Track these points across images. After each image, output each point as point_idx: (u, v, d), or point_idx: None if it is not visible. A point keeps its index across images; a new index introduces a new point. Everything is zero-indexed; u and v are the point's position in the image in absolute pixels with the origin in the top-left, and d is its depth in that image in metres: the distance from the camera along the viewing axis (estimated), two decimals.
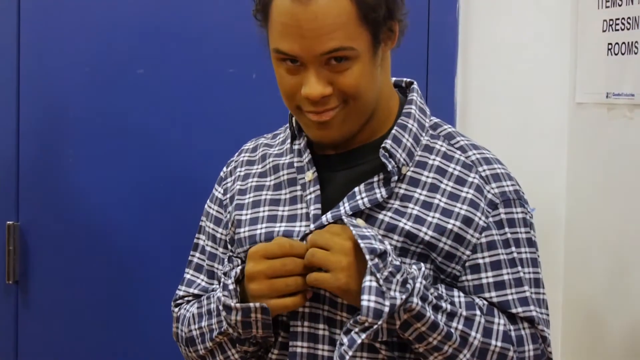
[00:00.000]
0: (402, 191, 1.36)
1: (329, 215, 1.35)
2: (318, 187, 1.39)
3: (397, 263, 1.26)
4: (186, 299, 1.51)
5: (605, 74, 1.99)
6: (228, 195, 1.50)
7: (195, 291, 1.50)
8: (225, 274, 1.36)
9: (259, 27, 1.34)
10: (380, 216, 1.34)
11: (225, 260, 1.43)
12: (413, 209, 1.35)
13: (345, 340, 1.25)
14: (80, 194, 2.36)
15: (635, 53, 1.88)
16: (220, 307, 1.34)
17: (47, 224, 2.38)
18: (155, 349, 2.32)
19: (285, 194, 1.43)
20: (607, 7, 1.98)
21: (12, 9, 2.35)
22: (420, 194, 1.36)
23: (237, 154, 1.56)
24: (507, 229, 1.36)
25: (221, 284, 1.35)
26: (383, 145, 1.36)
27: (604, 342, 1.99)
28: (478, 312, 1.31)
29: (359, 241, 1.25)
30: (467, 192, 1.36)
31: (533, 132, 2.19)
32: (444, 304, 1.29)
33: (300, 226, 1.38)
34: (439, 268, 1.35)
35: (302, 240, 1.35)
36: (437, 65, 2.19)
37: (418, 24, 2.09)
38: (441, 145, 1.40)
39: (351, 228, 1.28)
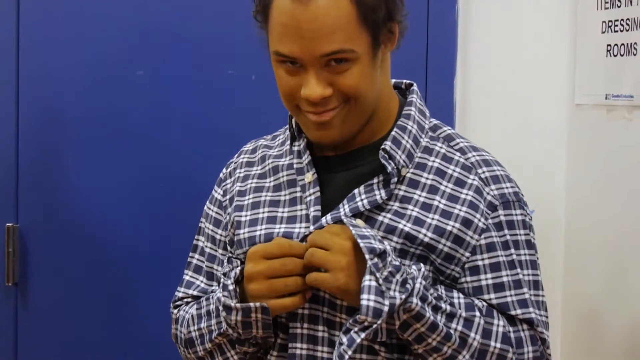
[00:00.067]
0: (401, 193, 1.36)
1: (328, 217, 1.35)
2: (318, 188, 1.39)
3: (397, 263, 1.26)
4: (185, 300, 1.51)
5: (605, 75, 1.99)
6: (227, 197, 1.50)
7: (195, 292, 1.50)
8: (224, 274, 1.36)
9: (258, 28, 1.34)
10: (380, 218, 1.34)
11: (225, 261, 1.43)
12: (412, 210, 1.35)
13: (344, 339, 1.25)
14: (80, 196, 2.36)
15: (634, 54, 1.88)
16: (220, 308, 1.34)
17: (46, 226, 2.38)
18: (154, 350, 2.32)
19: (285, 195, 1.43)
20: (606, 8, 1.98)
21: (11, 10, 2.35)
22: (419, 196, 1.36)
23: (236, 155, 1.56)
24: (506, 231, 1.36)
25: (221, 285, 1.35)
26: (383, 146, 1.36)
27: (603, 343, 1.99)
28: (477, 314, 1.31)
29: (359, 241, 1.25)
30: (467, 194, 1.36)
31: (532, 134, 2.19)
32: (443, 305, 1.29)
33: (300, 227, 1.38)
34: (438, 269, 1.35)
35: (301, 241, 1.35)
36: (436, 66, 2.19)
37: (417, 25, 2.09)
38: (441, 147, 1.40)
39: (351, 228, 1.28)
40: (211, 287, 1.49)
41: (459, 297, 1.32)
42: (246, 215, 1.44)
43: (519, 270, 1.36)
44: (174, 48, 2.30)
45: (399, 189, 1.36)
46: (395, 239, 1.33)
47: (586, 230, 2.09)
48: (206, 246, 1.52)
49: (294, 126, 1.44)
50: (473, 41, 2.19)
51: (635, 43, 1.88)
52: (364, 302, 1.23)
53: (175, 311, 1.50)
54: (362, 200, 1.34)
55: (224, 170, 1.55)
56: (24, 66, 2.36)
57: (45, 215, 2.38)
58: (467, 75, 2.19)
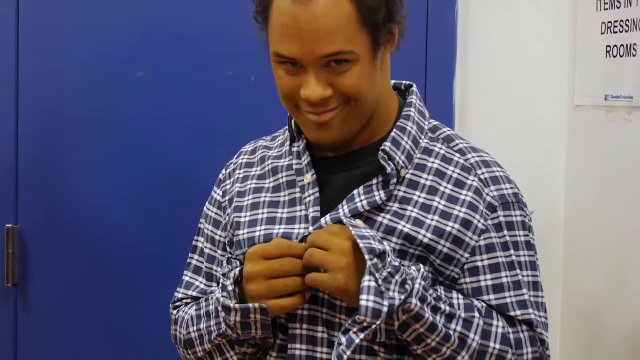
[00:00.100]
0: (401, 193, 1.36)
1: (327, 217, 1.35)
2: (317, 189, 1.39)
3: (396, 264, 1.26)
4: (184, 301, 1.51)
5: (604, 76, 1.99)
6: (227, 197, 1.50)
7: (194, 293, 1.50)
8: (224, 275, 1.36)
9: (258, 29, 1.34)
10: (379, 218, 1.34)
11: (224, 262, 1.43)
12: (412, 211, 1.35)
13: (343, 339, 1.25)
14: (80, 196, 2.36)
15: (634, 55, 1.88)
16: (219, 308, 1.34)
17: (46, 227, 2.38)
18: (154, 350, 2.32)
19: (284, 196, 1.43)
20: (605, 9, 1.98)
21: (11, 10, 2.35)
22: (419, 197, 1.36)
23: (235, 156, 1.56)
24: (505, 232, 1.36)
25: (220, 285, 1.35)
26: (382, 147, 1.36)
27: (603, 343, 1.99)
28: (477, 314, 1.31)
29: (358, 241, 1.25)
30: (466, 195, 1.36)
31: (532, 134, 2.19)
32: (442, 306, 1.29)
33: (299, 228, 1.38)
34: (438, 270, 1.35)
35: (301, 242, 1.35)
36: (435, 66, 2.19)
37: (417, 26, 2.09)
38: (440, 148, 1.41)
39: (350, 228, 1.28)
40: (210, 287, 1.49)
41: (458, 298, 1.32)
42: (245, 216, 1.44)
43: (518, 271, 1.36)
44: (173, 49, 2.30)
45: (399, 190, 1.36)
46: (394, 239, 1.33)
47: (586, 230, 2.09)
48: (205, 247, 1.52)
49: (293, 127, 1.44)
50: (472, 42, 2.19)
51: (634, 44, 1.88)
52: (363, 303, 1.23)
53: (175, 312, 1.50)
54: (361, 201, 1.34)
55: (223, 171, 1.55)
56: (24, 66, 2.36)
57: (45, 216, 2.38)
58: (467, 75, 2.19)
